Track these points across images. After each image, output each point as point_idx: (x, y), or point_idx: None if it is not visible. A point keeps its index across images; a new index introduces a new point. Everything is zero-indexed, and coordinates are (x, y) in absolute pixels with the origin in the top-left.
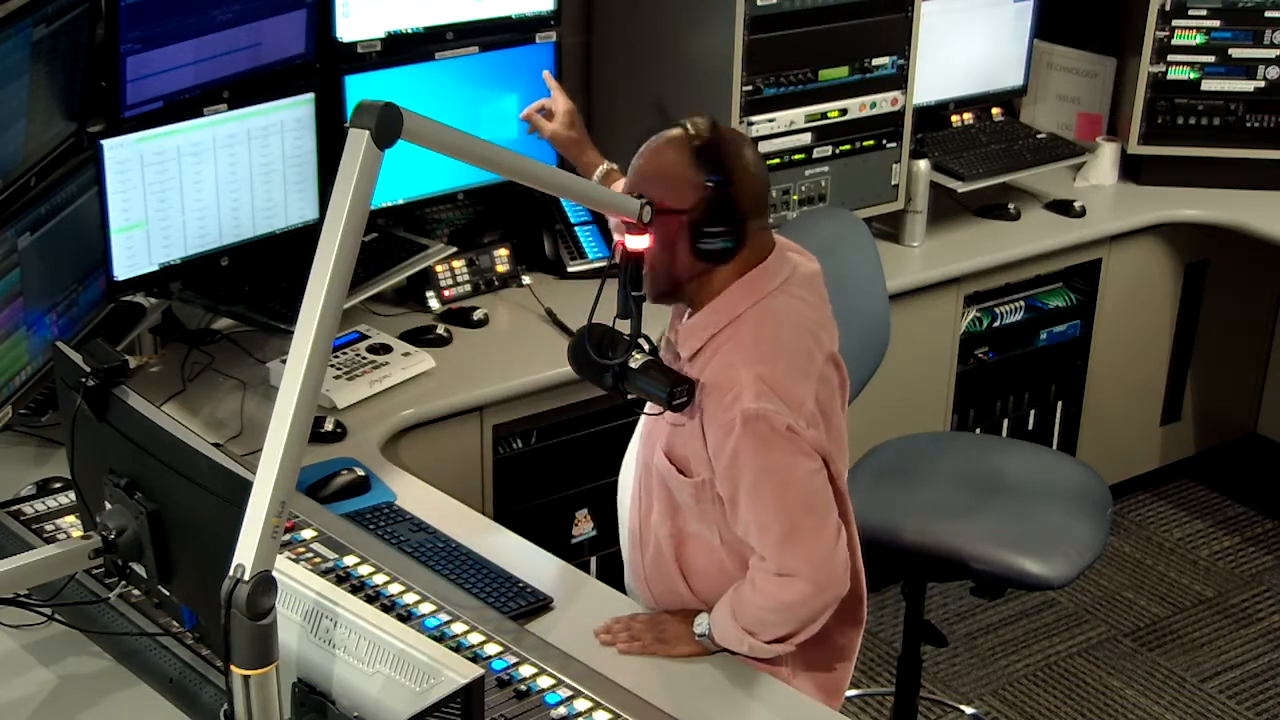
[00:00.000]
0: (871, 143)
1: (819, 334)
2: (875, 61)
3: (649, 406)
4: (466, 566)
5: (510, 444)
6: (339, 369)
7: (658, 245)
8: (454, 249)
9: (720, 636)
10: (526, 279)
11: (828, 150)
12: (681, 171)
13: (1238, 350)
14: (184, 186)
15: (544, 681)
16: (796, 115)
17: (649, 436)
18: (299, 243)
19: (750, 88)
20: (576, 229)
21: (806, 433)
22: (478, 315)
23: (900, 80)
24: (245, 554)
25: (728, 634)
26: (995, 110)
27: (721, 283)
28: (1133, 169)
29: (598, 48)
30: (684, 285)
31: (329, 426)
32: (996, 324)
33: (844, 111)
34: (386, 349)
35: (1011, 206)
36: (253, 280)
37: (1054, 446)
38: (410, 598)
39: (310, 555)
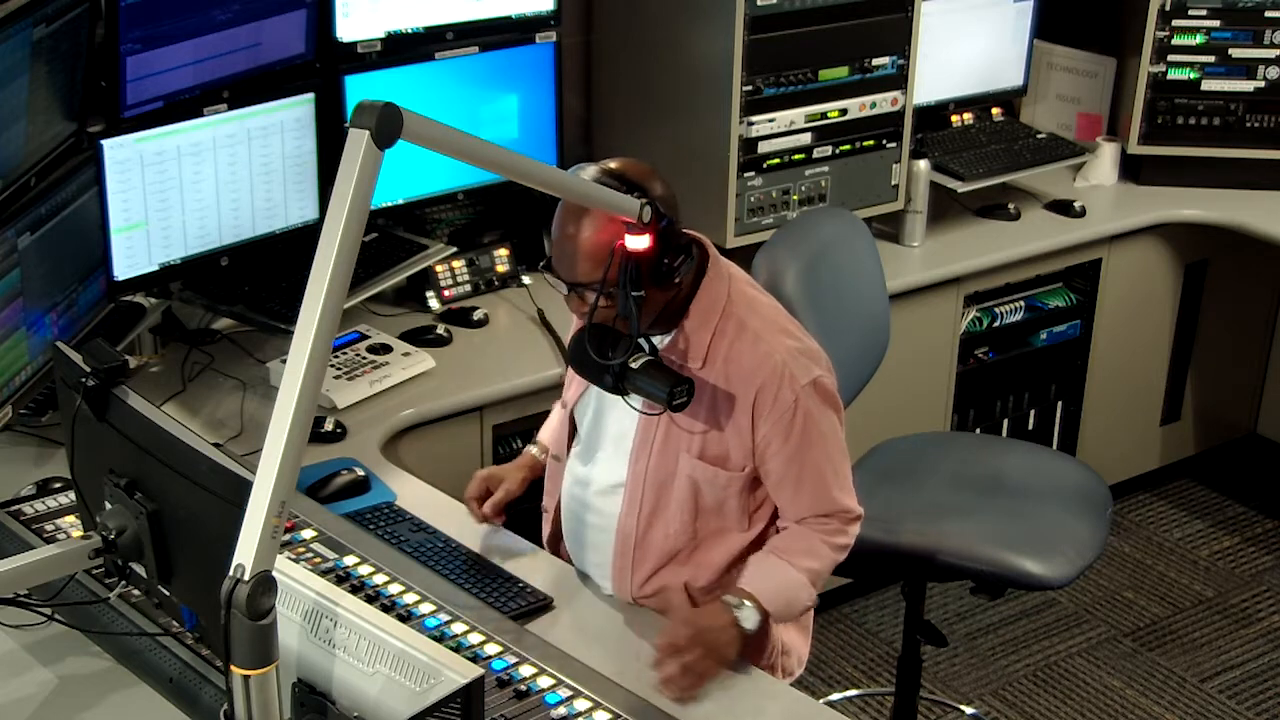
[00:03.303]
0: (871, 143)
1: None
2: (875, 61)
3: (648, 406)
4: (466, 566)
5: (510, 444)
6: (339, 369)
7: (629, 299)
8: (454, 249)
9: (774, 602)
10: (526, 279)
11: (828, 150)
12: (618, 230)
13: (1238, 350)
14: (184, 186)
15: (544, 681)
16: (796, 115)
17: (662, 450)
18: (299, 243)
19: (750, 88)
20: None
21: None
22: (478, 315)
23: (900, 80)
24: (245, 554)
25: (790, 598)
26: (995, 110)
27: (686, 291)
28: (1133, 169)
29: (598, 48)
30: (664, 313)
31: (329, 426)
32: (996, 324)
33: (844, 111)
34: (386, 349)
35: (1011, 206)
36: (253, 280)
37: (1054, 446)
38: (410, 598)
39: (310, 555)
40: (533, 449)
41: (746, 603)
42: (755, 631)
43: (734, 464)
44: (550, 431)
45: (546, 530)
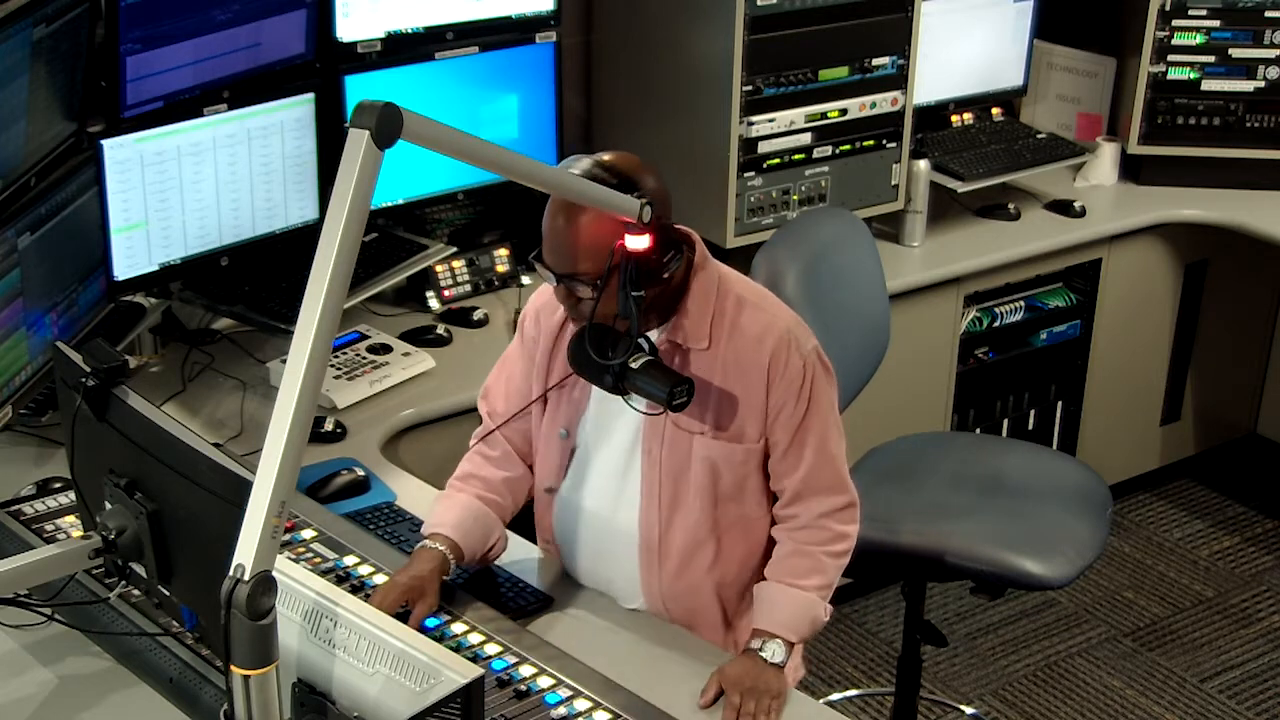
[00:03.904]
0: (871, 143)
1: None
2: (875, 61)
3: (649, 406)
4: (467, 567)
5: None
6: (339, 369)
7: (628, 299)
8: (454, 249)
9: (798, 630)
10: (526, 279)
11: (828, 150)
12: (617, 227)
13: (1238, 350)
14: (184, 186)
15: (544, 681)
16: (796, 115)
17: (672, 440)
18: (299, 243)
19: (750, 88)
20: None
21: None
22: (478, 315)
23: (900, 80)
24: (245, 554)
25: (811, 618)
26: (995, 110)
27: (680, 278)
28: (1133, 169)
29: (598, 48)
30: (657, 305)
31: (329, 426)
32: (996, 324)
33: (844, 111)
34: (386, 349)
35: (1011, 206)
36: (253, 280)
37: (1054, 446)
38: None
39: (310, 555)
40: (438, 547)
41: (770, 642)
42: (789, 659)
43: (750, 436)
44: (453, 514)
45: (560, 563)
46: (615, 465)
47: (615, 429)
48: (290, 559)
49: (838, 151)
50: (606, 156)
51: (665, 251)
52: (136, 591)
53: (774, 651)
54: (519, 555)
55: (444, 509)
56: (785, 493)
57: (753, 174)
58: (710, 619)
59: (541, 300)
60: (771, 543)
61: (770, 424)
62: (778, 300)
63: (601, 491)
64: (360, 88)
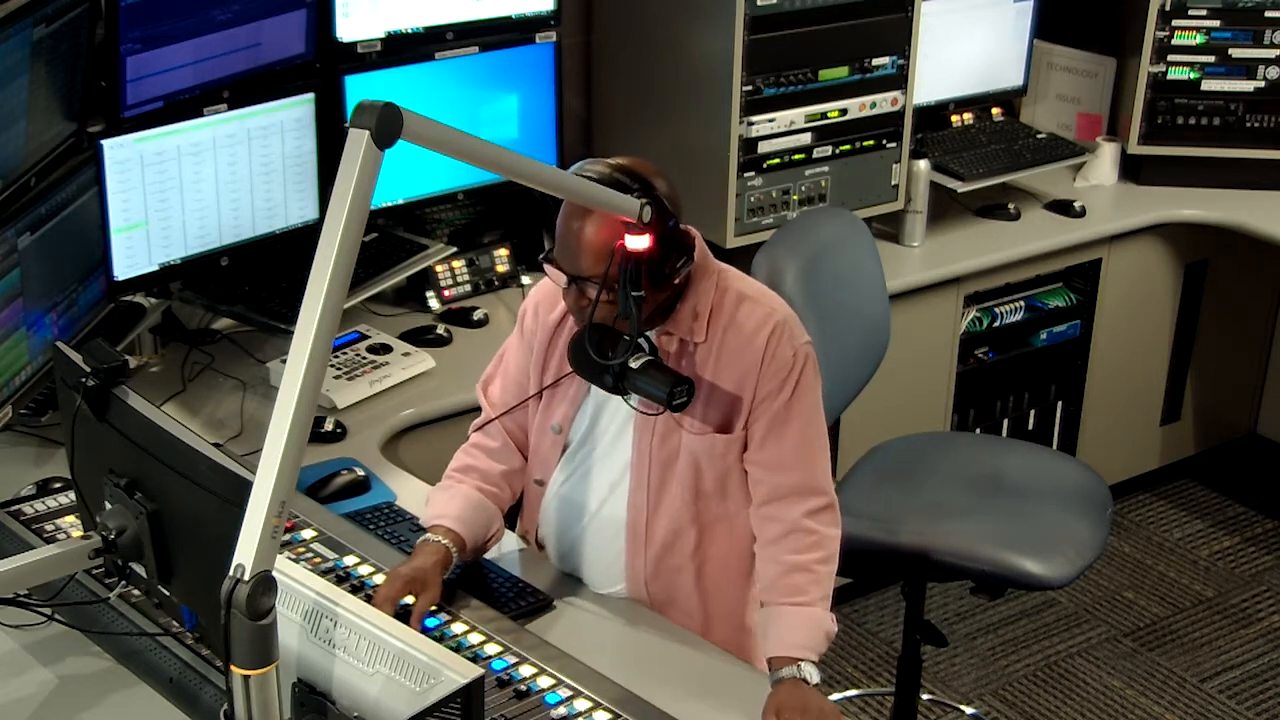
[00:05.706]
0: (871, 143)
1: None
2: (875, 61)
3: (648, 405)
4: (466, 566)
5: None
6: (339, 369)
7: (629, 299)
8: (454, 249)
9: (816, 648)
10: (526, 279)
11: (828, 150)
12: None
13: (1238, 350)
14: (184, 186)
15: (544, 681)
16: (796, 115)
17: (664, 428)
18: (299, 243)
19: (750, 88)
20: None
21: None
22: (478, 315)
23: (900, 80)
24: (245, 554)
25: (825, 632)
26: (995, 110)
27: (682, 283)
28: (1133, 169)
29: (598, 48)
30: (660, 308)
31: (329, 426)
32: (996, 324)
33: (844, 111)
34: (386, 349)
35: (1011, 206)
36: (253, 280)
37: (1054, 446)
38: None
39: (310, 555)
40: (441, 540)
41: (801, 664)
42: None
43: (737, 427)
44: (454, 505)
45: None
46: (605, 460)
47: (608, 426)
48: (290, 559)
49: (838, 151)
50: (621, 160)
51: (678, 257)
52: (136, 591)
53: (811, 672)
54: (519, 555)
55: (445, 500)
56: (762, 486)
57: (753, 174)
58: (687, 604)
59: (541, 294)
60: (750, 545)
61: (752, 409)
62: (776, 296)
63: (590, 486)
64: (360, 88)
